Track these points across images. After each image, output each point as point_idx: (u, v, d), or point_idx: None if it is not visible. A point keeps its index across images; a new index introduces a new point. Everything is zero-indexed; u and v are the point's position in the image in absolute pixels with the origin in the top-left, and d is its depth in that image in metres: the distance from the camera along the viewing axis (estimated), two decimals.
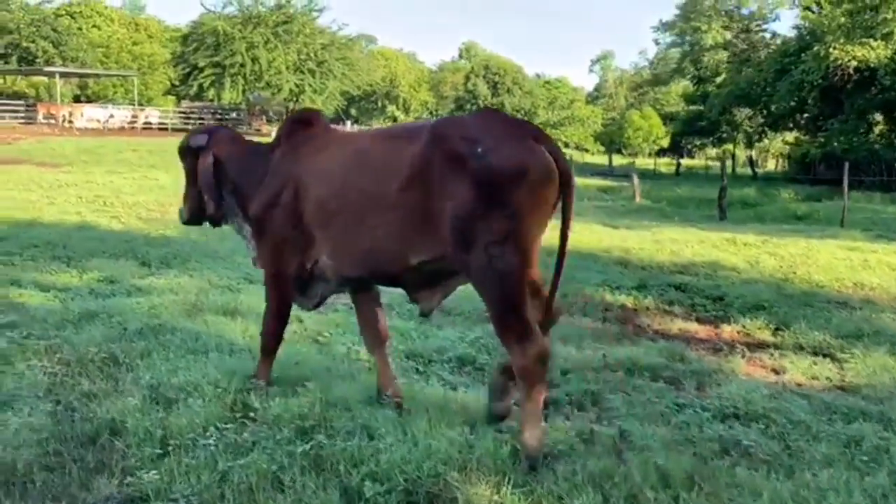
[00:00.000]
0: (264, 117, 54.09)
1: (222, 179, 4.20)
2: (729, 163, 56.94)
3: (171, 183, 18.57)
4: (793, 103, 32.68)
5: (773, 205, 22.65)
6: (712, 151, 67.05)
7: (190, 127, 46.43)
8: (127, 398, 3.80)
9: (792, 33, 37.42)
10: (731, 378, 5.04)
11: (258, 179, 4.02)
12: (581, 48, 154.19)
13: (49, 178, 17.34)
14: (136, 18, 62.33)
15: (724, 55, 42.36)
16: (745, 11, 41.08)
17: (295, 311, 5.77)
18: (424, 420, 3.63)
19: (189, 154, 4.28)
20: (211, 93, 46.15)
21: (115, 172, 20.86)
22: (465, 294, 4.13)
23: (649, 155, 61.13)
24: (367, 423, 3.58)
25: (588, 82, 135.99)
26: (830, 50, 29.15)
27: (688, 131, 48.47)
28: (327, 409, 3.73)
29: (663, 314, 7.16)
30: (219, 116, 49.67)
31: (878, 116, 31.23)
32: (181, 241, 9.35)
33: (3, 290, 6.34)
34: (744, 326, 6.67)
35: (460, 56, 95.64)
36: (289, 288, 4.01)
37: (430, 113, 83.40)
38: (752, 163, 41.09)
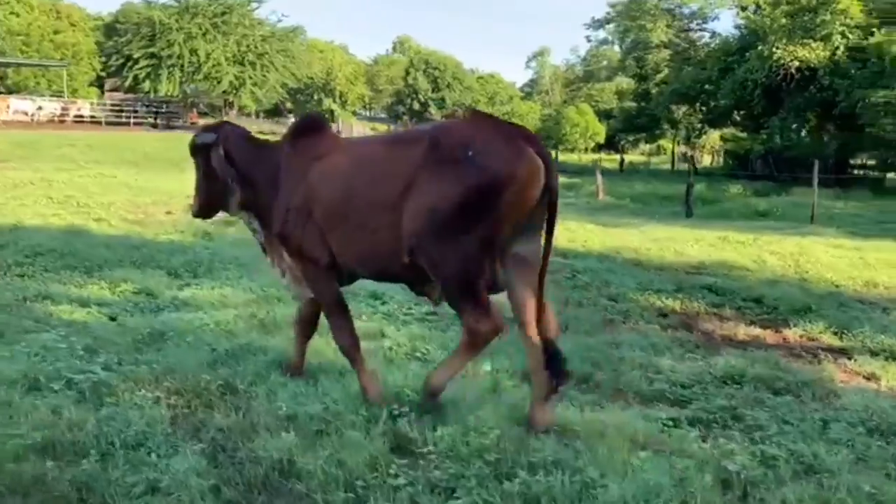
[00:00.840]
0: (195, 110, 52.36)
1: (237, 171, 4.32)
2: (665, 157, 58.68)
3: (133, 181, 17.79)
4: (734, 100, 33.66)
5: (732, 201, 23.19)
6: (646, 147, 68.91)
7: (123, 120, 45.04)
8: (281, 434, 3.47)
9: (732, 32, 38.53)
10: (835, 387, 5.02)
11: (268, 174, 4.17)
12: (511, 43, 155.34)
13: None
14: (58, 5, 59.31)
15: (665, 53, 43.35)
16: (686, 10, 42.16)
17: (379, 326, 5.56)
18: (602, 448, 3.45)
19: (200, 151, 4.37)
20: (147, 85, 44.35)
21: (66, 170, 19.79)
22: None
23: (585, 150, 62.41)
24: (553, 455, 3.36)
25: (520, 78, 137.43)
26: (774, 50, 30.18)
27: (628, 128, 49.37)
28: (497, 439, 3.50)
29: (720, 319, 7.12)
30: (154, 109, 47.96)
31: (815, 114, 32.48)
32: (195, 247, 8.82)
33: (42, 306, 5.81)
34: (805, 331, 6.70)
35: (394, 49, 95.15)
36: (333, 282, 4.10)
37: (365, 106, 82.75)
38: (692, 159, 42.22)
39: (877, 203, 24.38)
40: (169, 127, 44.13)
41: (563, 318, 6.37)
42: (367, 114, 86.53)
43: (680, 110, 41.63)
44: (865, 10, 30.08)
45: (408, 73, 67.16)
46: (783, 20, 30.96)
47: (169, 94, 45.82)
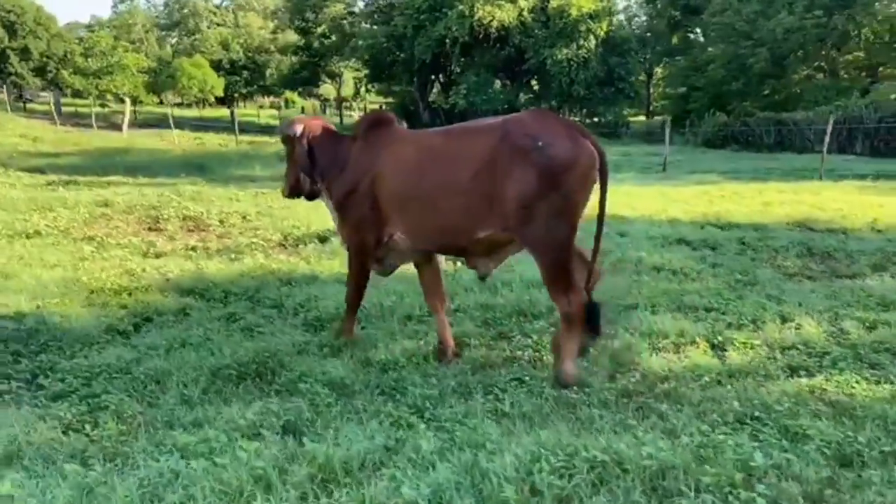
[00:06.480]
0: None
1: (315, 162, 4.89)
2: (294, 111, 58.00)
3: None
4: (431, 56, 35.07)
5: None
6: (265, 101, 67.28)
7: None
8: None
9: None
10: None
11: (338, 165, 4.72)
12: None
13: None
14: None
15: (340, 7, 42.62)
16: None
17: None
18: None
19: (287, 141, 5.01)
20: None
21: None
22: None
23: (201, 105, 58.83)
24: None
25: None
26: (475, 10, 32.16)
27: (289, 83, 47.54)
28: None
29: None
30: None
31: (506, 70, 35.77)
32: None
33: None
34: None
35: None
36: (367, 257, 4.72)
37: None
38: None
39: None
40: None
41: None
42: None
43: (347, 65, 41.56)
44: None
45: None
46: None
47: None
